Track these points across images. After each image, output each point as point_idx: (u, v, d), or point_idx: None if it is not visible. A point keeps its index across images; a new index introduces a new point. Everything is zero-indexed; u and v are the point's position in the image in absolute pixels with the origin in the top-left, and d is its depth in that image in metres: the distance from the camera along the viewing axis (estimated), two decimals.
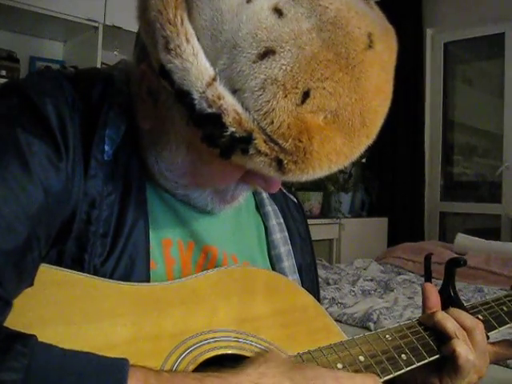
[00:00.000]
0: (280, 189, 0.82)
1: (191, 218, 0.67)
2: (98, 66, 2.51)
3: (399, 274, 2.89)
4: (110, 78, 0.61)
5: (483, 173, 4.28)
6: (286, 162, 0.51)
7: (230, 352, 0.55)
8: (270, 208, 0.78)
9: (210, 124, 0.50)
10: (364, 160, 4.13)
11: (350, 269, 2.96)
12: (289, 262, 0.75)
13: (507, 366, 1.61)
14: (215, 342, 0.56)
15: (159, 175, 0.62)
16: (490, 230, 3.91)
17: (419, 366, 0.65)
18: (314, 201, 3.62)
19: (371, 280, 2.68)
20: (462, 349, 0.65)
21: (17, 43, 2.62)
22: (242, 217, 0.75)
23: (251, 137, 0.49)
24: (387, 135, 4.29)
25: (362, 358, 0.59)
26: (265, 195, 0.78)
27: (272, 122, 0.49)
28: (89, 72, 0.63)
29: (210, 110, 0.49)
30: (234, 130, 0.49)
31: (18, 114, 0.53)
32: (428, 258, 0.81)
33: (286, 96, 0.48)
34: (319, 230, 3.50)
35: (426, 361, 0.65)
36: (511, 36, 3.90)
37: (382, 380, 0.58)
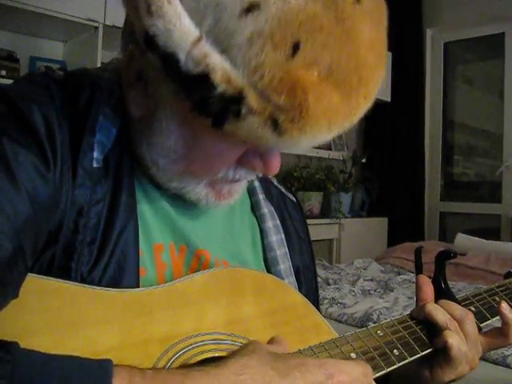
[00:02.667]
0: (278, 188, 0.82)
1: (183, 222, 0.65)
2: (98, 66, 2.51)
3: (399, 274, 2.89)
4: (99, 80, 0.60)
5: (483, 173, 4.28)
6: (281, 120, 0.49)
7: (219, 355, 0.54)
8: (266, 210, 0.76)
9: (198, 86, 0.48)
10: (364, 160, 4.13)
11: (350, 269, 2.96)
12: (285, 265, 0.74)
13: (507, 366, 1.61)
14: (204, 345, 0.55)
15: (152, 164, 0.60)
16: (490, 230, 3.91)
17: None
18: (314, 201, 3.62)
19: (371, 280, 2.68)
20: (454, 339, 0.64)
21: (17, 43, 2.61)
22: (236, 219, 0.73)
23: (242, 94, 0.47)
24: (387, 135, 4.30)
25: (353, 355, 0.58)
26: (261, 196, 0.77)
27: (262, 77, 0.47)
28: (78, 74, 0.61)
29: (196, 70, 0.47)
30: (223, 89, 0.47)
31: (5, 122, 0.51)
32: (418, 252, 0.81)
33: (274, 49, 0.47)
34: (319, 230, 3.50)
35: (418, 355, 0.64)
36: (511, 36, 3.90)
37: (374, 376, 0.57)
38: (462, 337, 0.66)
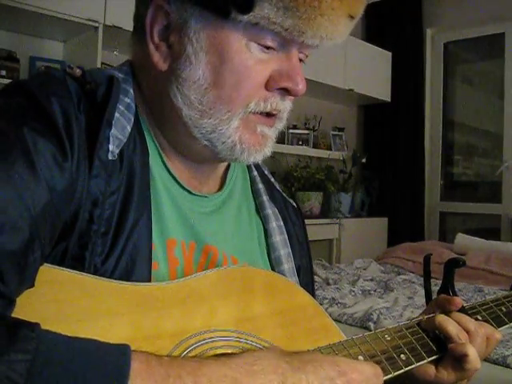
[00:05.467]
0: (280, 193, 0.84)
1: (195, 218, 0.67)
2: (98, 65, 2.50)
3: (399, 274, 2.89)
4: (115, 79, 0.62)
5: (483, 173, 4.28)
6: None
7: (229, 351, 0.55)
8: (270, 211, 0.78)
9: None
10: (364, 160, 4.13)
11: (350, 269, 2.96)
12: (288, 265, 0.76)
13: (507, 366, 1.61)
14: (214, 341, 0.55)
15: (182, 104, 0.62)
16: (489, 230, 3.91)
17: None
18: (314, 201, 3.62)
19: (371, 280, 2.68)
20: (473, 352, 0.66)
21: (17, 43, 2.61)
22: (243, 219, 0.75)
23: None
24: (387, 135, 4.30)
25: (361, 358, 0.59)
26: (265, 198, 0.79)
27: None
28: (95, 72, 0.63)
29: None
30: None
31: (25, 113, 0.53)
32: (427, 259, 0.81)
33: None
34: (319, 230, 3.50)
35: (425, 361, 0.66)
36: (511, 36, 3.90)
37: None
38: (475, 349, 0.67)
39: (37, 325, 0.40)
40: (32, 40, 2.69)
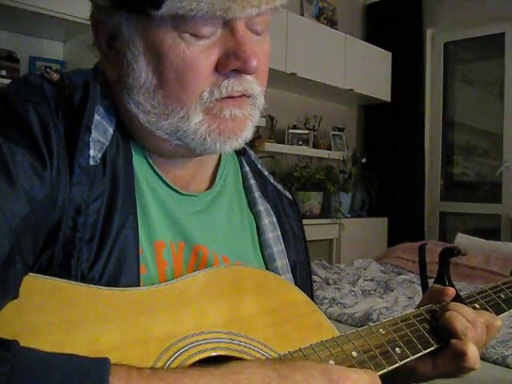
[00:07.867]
0: (274, 185, 0.82)
1: (183, 218, 0.66)
2: None
3: (399, 274, 2.89)
4: (92, 81, 0.61)
5: (483, 173, 4.28)
6: None
7: (219, 353, 0.54)
8: (262, 207, 0.76)
9: None
10: (364, 160, 4.13)
11: (350, 269, 2.96)
12: (282, 262, 0.74)
13: (507, 366, 1.61)
14: (204, 344, 0.55)
15: (137, 110, 0.60)
16: (490, 230, 3.91)
17: None
18: (314, 201, 3.62)
19: (371, 280, 2.68)
20: (472, 350, 0.65)
21: (17, 43, 2.61)
22: (235, 217, 0.74)
23: None
24: (387, 135, 4.30)
25: (354, 354, 0.58)
26: (257, 194, 0.77)
27: None
28: (73, 75, 0.62)
29: None
30: None
31: (1, 122, 0.52)
32: (422, 249, 0.80)
33: None
34: (319, 230, 3.50)
35: (420, 353, 0.65)
36: (511, 36, 3.90)
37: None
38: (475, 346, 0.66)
39: (13, 343, 0.39)
40: (32, 40, 2.69)
